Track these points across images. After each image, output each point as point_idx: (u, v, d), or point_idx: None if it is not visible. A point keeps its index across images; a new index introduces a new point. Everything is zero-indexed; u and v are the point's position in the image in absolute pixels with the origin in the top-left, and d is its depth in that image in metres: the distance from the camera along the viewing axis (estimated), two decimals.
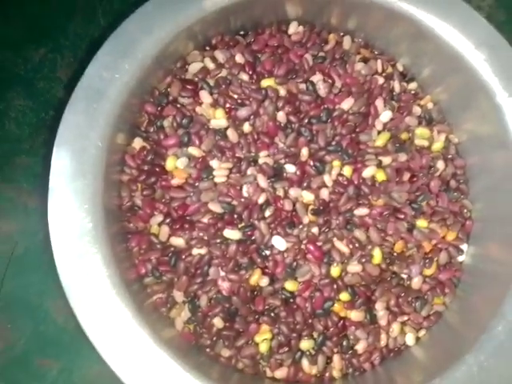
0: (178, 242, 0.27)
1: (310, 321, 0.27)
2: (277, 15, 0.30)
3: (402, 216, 0.28)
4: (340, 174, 0.28)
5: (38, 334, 0.31)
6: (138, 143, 0.28)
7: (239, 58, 0.29)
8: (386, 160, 0.28)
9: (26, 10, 0.37)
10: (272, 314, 0.27)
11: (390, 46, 0.31)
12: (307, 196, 0.27)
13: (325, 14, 0.30)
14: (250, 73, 0.29)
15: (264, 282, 0.27)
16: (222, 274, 0.27)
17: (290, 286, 0.27)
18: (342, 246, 0.27)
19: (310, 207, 0.27)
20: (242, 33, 0.30)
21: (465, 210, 0.29)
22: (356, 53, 0.31)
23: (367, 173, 0.28)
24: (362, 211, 0.27)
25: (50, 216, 0.24)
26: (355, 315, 0.27)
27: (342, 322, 0.27)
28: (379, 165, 0.28)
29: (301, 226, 0.27)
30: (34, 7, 0.37)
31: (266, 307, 0.27)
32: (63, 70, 0.37)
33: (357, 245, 0.27)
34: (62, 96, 0.36)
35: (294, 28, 0.30)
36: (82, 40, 0.37)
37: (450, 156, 0.30)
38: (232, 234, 0.27)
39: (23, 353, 0.31)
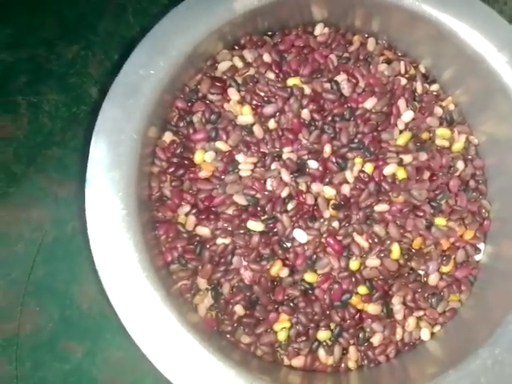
0: (204, 231, 0.27)
1: (327, 312, 0.27)
2: (303, 17, 0.31)
3: (421, 213, 0.28)
4: (361, 171, 0.28)
5: (64, 319, 0.33)
6: (168, 137, 0.29)
7: (266, 58, 0.30)
8: (407, 158, 0.29)
9: (60, 10, 0.39)
10: (291, 304, 0.27)
11: (412, 48, 0.31)
12: (329, 191, 0.28)
13: (349, 16, 0.31)
14: (277, 72, 0.29)
15: (284, 272, 0.27)
16: (245, 263, 0.27)
17: (309, 277, 0.27)
18: (362, 241, 0.27)
19: (331, 202, 0.28)
20: (269, 33, 0.31)
21: (483, 210, 0.30)
22: (380, 54, 0.31)
23: (388, 170, 0.28)
24: (381, 207, 0.28)
25: (87, 202, 0.25)
26: (372, 308, 0.27)
27: (358, 314, 0.27)
28: (400, 163, 0.28)
29: (322, 220, 0.28)
30: (67, 7, 0.39)
31: (286, 297, 0.27)
32: (94, 66, 0.38)
33: (376, 240, 0.28)
34: (92, 91, 0.37)
35: (319, 29, 0.31)
36: (113, 38, 0.38)
37: (469, 156, 0.31)
38: (255, 225, 0.27)
39: (50, 336, 0.32)
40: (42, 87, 0.37)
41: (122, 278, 0.24)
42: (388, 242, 0.28)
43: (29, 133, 0.36)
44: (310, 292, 0.28)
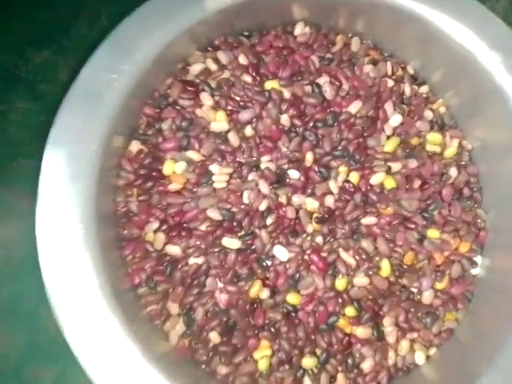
0: (175, 250, 0.26)
1: (312, 337, 0.26)
2: (282, 17, 0.29)
3: (413, 226, 0.27)
4: (346, 181, 0.27)
5: (31, 343, 0.31)
6: (135, 146, 0.27)
7: (242, 60, 0.28)
8: (396, 166, 0.27)
9: (30, 13, 0.37)
10: (272, 329, 0.25)
11: (400, 48, 0.30)
12: (311, 203, 0.26)
13: (332, 15, 0.29)
14: (254, 74, 0.28)
15: (264, 294, 0.26)
16: (220, 285, 0.25)
17: (292, 298, 0.26)
18: (348, 257, 0.26)
19: (314, 215, 0.26)
20: (246, 34, 0.29)
21: (478, 220, 0.28)
22: (365, 55, 0.30)
23: (375, 179, 0.27)
24: (369, 220, 0.26)
25: (37, 221, 0.23)
26: (361, 331, 0.26)
27: (347, 338, 0.26)
28: (388, 171, 0.27)
29: (304, 235, 0.26)
30: (37, 10, 0.37)
31: (267, 321, 0.26)
32: (65, 72, 0.36)
33: (364, 256, 0.26)
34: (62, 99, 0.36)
35: (300, 29, 0.30)
36: (85, 42, 0.37)
37: (462, 163, 0.29)
38: (231, 242, 0.26)
39: (16, 362, 0.30)
40: (9, 95, 0.35)
41: (78, 307, 0.22)
42: (377, 258, 0.26)
43: None
44: (293, 315, 0.26)
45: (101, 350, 0.22)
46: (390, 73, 0.29)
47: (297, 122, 0.27)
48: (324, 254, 0.26)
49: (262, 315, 0.25)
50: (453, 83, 0.29)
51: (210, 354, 0.25)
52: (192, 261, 0.26)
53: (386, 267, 0.26)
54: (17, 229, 0.33)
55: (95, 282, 0.22)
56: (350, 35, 0.30)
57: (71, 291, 0.22)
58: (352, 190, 0.27)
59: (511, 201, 0.27)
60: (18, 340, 0.31)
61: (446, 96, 0.30)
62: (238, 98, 0.27)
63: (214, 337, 0.25)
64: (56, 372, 0.30)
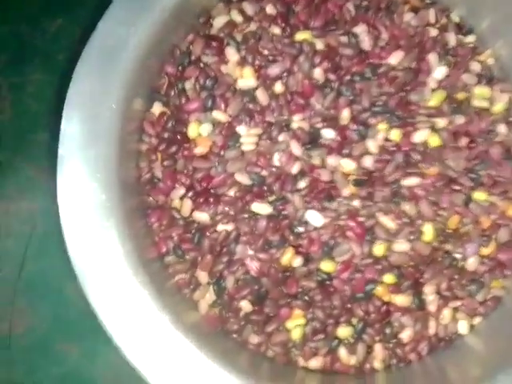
0: (202, 217, 0.25)
1: (348, 305, 0.25)
2: None
3: (459, 187, 0.25)
4: (387, 139, 0.25)
5: (58, 318, 0.31)
6: (157, 108, 0.26)
7: (270, 10, 0.26)
8: (441, 122, 0.25)
9: None
10: (306, 298, 0.25)
11: None
12: (348, 165, 0.25)
13: None
14: (283, 25, 0.26)
15: (297, 261, 0.25)
16: (251, 252, 0.25)
17: (326, 266, 0.25)
18: (388, 222, 0.25)
19: (351, 177, 0.25)
20: None
21: None
22: (404, 2, 0.27)
23: (419, 137, 0.25)
24: (411, 181, 0.25)
25: (59, 188, 0.22)
26: (401, 300, 0.25)
27: (385, 307, 0.25)
28: (433, 128, 0.25)
29: (340, 199, 0.25)
30: None
31: (300, 290, 0.25)
32: (81, 41, 0.35)
33: (405, 220, 0.25)
34: None
35: None
36: (101, 9, 0.35)
37: None
38: (261, 208, 0.25)
39: (44, 337, 0.31)
40: (24, 66, 0.35)
41: (104, 277, 0.22)
42: (419, 221, 0.25)
43: (13, 117, 0.34)
44: (328, 283, 0.25)
45: (128, 318, 0.22)
46: (432, 21, 0.27)
47: (331, 75, 0.26)
48: (361, 219, 0.25)
49: (294, 284, 0.25)
50: (503, 32, 0.27)
51: (242, 323, 0.25)
52: (221, 228, 0.25)
53: (429, 232, 0.25)
54: (39, 203, 0.33)
55: (121, 251, 0.22)
56: None
57: (96, 261, 0.22)
58: (393, 149, 0.25)
59: None
60: (46, 315, 0.31)
61: (495, 46, 0.27)
62: (266, 52, 0.26)
63: (246, 305, 0.25)
64: (83, 347, 0.30)
